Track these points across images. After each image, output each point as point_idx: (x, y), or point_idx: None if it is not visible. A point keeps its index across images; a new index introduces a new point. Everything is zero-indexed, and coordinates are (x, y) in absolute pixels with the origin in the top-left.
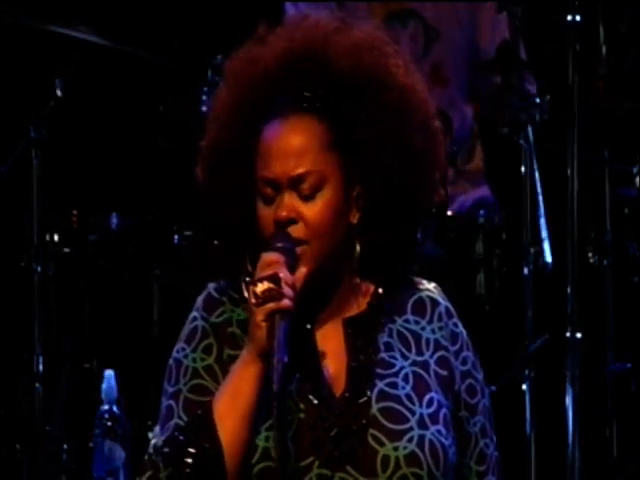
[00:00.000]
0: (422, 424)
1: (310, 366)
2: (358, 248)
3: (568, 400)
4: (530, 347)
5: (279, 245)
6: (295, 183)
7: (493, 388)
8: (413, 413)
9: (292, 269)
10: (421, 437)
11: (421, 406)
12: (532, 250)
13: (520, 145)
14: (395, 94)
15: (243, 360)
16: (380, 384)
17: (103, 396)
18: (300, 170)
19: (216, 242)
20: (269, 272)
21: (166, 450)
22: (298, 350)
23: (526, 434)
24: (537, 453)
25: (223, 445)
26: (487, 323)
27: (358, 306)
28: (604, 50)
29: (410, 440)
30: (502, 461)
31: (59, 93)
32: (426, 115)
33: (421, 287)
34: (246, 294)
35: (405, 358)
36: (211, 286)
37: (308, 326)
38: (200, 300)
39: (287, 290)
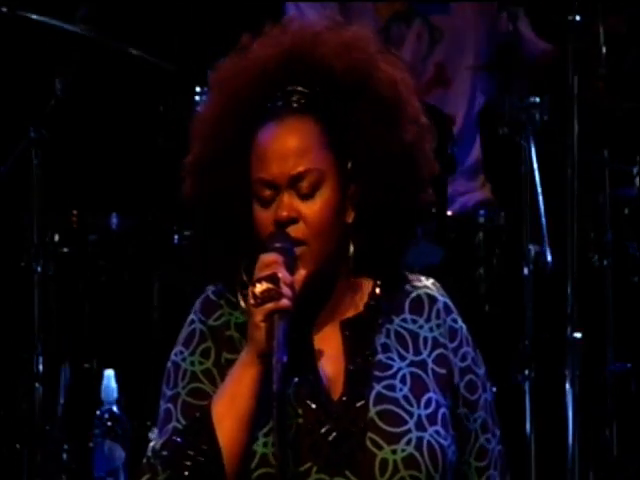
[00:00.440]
0: (420, 426)
1: (307, 369)
2: (352, 248)
3: (568, 400)
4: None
5: (278, 245)
6: (294, 182)
7: (493, 388)
8: (411, 415)
9: (291, 269)
10: (419, 439)
11: (419, 407)
12: (532, 250)
13: (520, 145)
14: (386, 91)
15: (242, 362)
16: (378, 387)
17: (103, 396)
18: (300, 168)
19: (213, 246)
20: (268, 272)
21: (164, 453)
22: (296, 353)
23: (526, 434)
24: (537, 453)
25: (222, 448)
26: (487, 323)
27: (355, 307)
28: (604, 50)
29: (408, 443)
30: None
31: (59, 93)
32: (416, 110)
33: (419, 284)
34: (242, 303)
35: (403, 359)
36: (209, 289)
37: (305, 328)
38: (198, 303)
39: (286, 290)
